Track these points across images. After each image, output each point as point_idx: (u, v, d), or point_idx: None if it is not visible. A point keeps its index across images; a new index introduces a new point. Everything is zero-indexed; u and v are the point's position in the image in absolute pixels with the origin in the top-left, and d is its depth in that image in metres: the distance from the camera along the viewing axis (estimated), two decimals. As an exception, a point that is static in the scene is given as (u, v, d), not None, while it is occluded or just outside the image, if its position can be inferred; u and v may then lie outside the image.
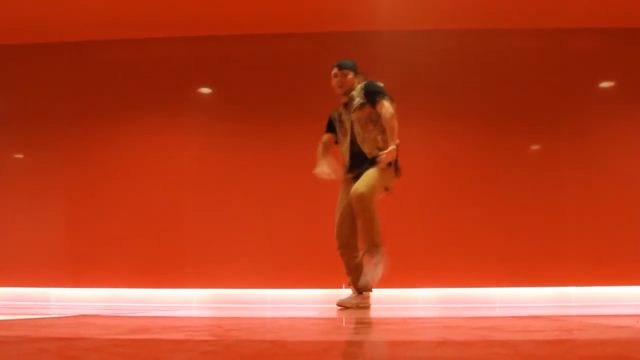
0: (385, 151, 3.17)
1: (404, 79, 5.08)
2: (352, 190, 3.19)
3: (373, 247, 3.19)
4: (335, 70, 3.47)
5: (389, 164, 3.24)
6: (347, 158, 3.47)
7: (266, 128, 5.18)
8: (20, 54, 5.54)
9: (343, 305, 3.29)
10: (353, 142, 3.41)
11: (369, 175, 3.22)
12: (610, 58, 5.18)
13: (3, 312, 3.13)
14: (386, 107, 3.24)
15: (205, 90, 5.38)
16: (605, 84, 5.15)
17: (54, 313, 2.92)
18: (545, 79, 5.14)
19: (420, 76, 5.11)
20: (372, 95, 3.33)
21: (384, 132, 3.31)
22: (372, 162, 3.29)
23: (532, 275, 4.75)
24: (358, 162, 3.38)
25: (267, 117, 5.19)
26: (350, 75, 3.45)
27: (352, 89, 3.46)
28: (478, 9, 4.96)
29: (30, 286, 5.03)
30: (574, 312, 2.91)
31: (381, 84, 3.51)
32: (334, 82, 3.47)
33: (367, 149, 3.36)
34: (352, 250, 3.34)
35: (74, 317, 2.45)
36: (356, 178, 3.31)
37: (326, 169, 3.45)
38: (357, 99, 3.40)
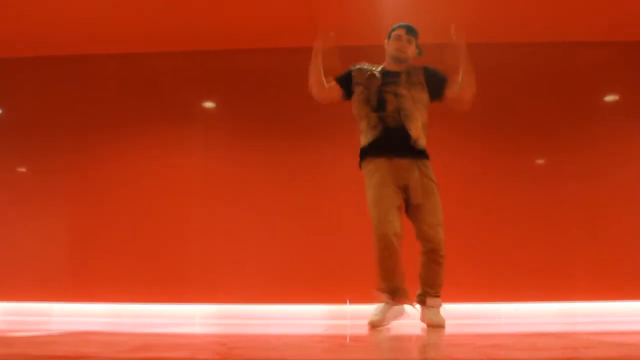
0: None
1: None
2: (429, 229, 2.94)
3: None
4: (401, 33, 3.11)
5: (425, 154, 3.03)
6: (377, 133, 2.98)
7: (270, 142, 5.17)
8: (24, 67, 5.55)
9: (441, 326, 2.91)
10: (390, 116, 2.97)
11: (438, 207, 2.97)
12: (615, 71, 5.17)
13: (4, 327, 3.10)
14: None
15: (210, 104, 5.38)
16: (610, 97, 5.15)
17: (55, 329, 2.89)
18: (551, 92, 5.13)
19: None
20: (437, 88, 3.09)
21: (426, 126, 3.04)
22: (414, 151, 2.98)
23: (538, 290, 4.70)
24: (395, 143, 2.97)
25: (271, 131, 5.18)
26: (414, 46, 3.12)
27: (408, 59, 3.13)
28: (482, 23, 4.96)
29: (31, 301, 4.99)
30: (581, 328, 2.87)
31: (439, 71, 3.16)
32: (397, 44, 3.10)
33: (413, 128, 2.96)
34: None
35: (76, 333, 2.42)
36: (391, 156, 2.95)
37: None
38: (415, 78, 3.08)
